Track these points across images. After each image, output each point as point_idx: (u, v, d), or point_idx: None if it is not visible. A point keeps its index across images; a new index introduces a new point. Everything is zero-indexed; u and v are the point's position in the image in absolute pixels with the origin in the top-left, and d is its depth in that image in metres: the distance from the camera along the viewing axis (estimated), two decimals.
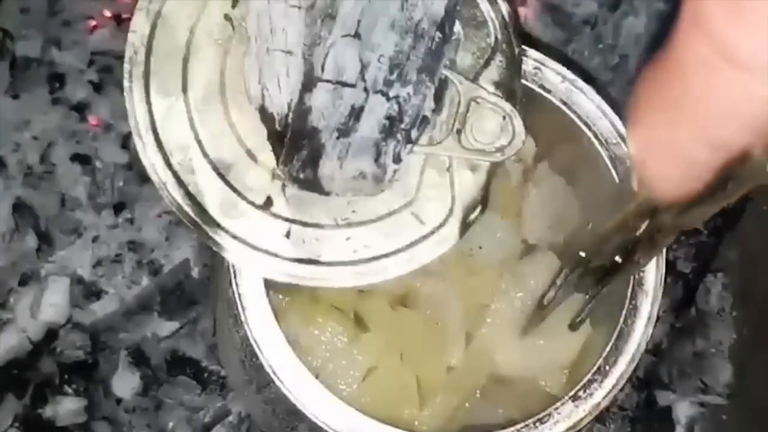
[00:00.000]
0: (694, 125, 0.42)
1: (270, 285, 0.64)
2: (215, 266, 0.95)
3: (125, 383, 0.93)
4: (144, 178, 0.98)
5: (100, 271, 0.96)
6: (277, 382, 0.62)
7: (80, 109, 1.02)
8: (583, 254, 0.62)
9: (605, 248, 0.60)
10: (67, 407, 0.92)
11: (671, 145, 0.44)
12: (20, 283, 0.96)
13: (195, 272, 0.97)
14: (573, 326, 0.69)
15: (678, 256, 0.96)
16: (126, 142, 1.00)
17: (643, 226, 0.56)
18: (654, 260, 0.66)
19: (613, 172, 0.69)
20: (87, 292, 0.96)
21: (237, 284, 0.63)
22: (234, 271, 0.63)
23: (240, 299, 0.62)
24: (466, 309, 0.71)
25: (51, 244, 0.97)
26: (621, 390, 0.67)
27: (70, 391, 0.93)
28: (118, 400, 0.93)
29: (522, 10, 1.05)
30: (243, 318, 0.62)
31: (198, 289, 0.96)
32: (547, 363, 0.70)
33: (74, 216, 0.98)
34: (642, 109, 0.45)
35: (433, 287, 0.71)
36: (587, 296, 0.67)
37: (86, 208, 0.98)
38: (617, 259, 0.60)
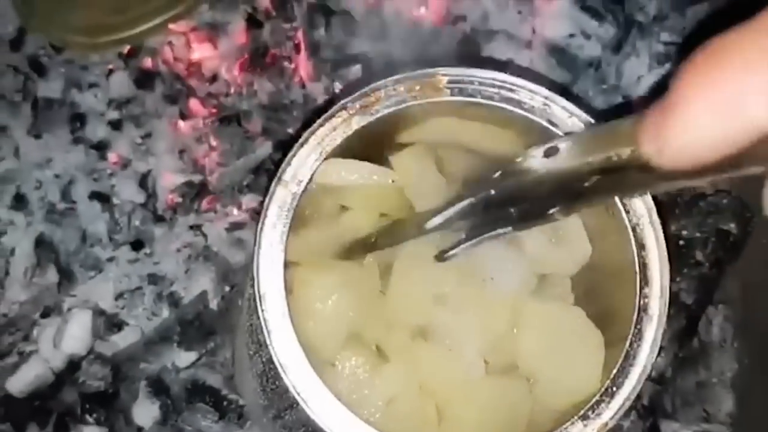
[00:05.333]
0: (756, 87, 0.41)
1: None
2: (233, 298, 0.97)
3: (145, 412, 0.95)
4: (159, 218, 1.01)
5: (121, 304, 0.99)
6: (302, 404, 0.64)
7: (100, 147, 1.05)
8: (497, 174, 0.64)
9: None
10: None
11: (721, 103, 0.42)
12: (43, 315, 0.98)
13: (213, 304, 0.99)
14: (438, 257, 0.70)
15: (681, 288, 0.98)
16: (143, 180, 1.03)
17: (593, 179, 0.56)
18: (658, 286, 0.68)
19: (617, 198, 0.71)
20: (108, 324, 0.98)
21: (263, 309, 0.65)
22: (260, 296, 0.65)
23: (266, 324, 0.65)
24: (483, 338, 0.72)
25: (72, 279, 1.00)
26: (626, 416, 0.69)
27: (91, 420, 0.95)
28: (139, 429, 0.95)
29: (528, 53, 1.08)
30: (269, 341, 0.64)
31: (216, 320, 0.98)
32: (566, 392, 0.71)
33: (94, 252, 1.01)
34: (702, 64, 0.43)
35: (451, 318, 0.72)
36: (469, 238, 0.69)
37: (106, 245, 1.01)
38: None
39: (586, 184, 0.57)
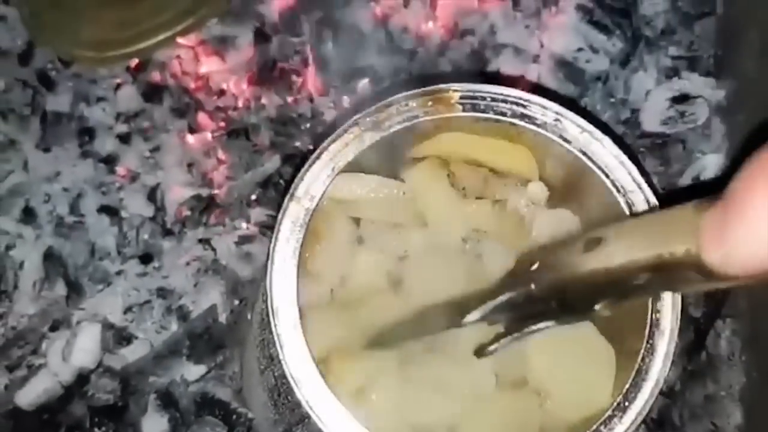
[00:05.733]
0: None
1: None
2: (242, 311, 0.97)
3: (154, 426, 0.95)
4: (168, 231, 1.02)
5: (130, 317, 0.99)
6: (315, 419, 0.64)
7: (108, 161, 1.05)
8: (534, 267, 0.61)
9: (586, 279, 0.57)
10: None
11: None
12: (51, 329, 0.98)
13: (222, 317, 0.99)
14: (477, 352, 0.68)
15: (689, 302, 0.98)
16: (152, 194, 1.03)
17: (643, 277, 0.53)
18: (670, 301, 0.68)
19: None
20: (117, 337, 0.98)
21: (276, 324, 0.65)
22: (272, 311, 0.65)
23: (279, 339, 0.65)
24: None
25: (80, 292, 1.00)
26: (638, 428, 0.69)
27: None
28: None
29: (536, 67, 1.09)
30: (281, 356, 0.64)
31: (225, 334, 0.98)
32: (577, 406, 0.71)
33: (103, 265, 1.01)
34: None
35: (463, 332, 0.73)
36: (510, 332, 0.66)
37: (114, 258, 1.01)
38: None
39: (635, 282, 0.54)
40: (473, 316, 0.66)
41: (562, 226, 0.75)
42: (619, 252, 0.55)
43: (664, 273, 0.51)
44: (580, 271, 0.58)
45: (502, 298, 0.65)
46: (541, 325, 0.64)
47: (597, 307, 0.60)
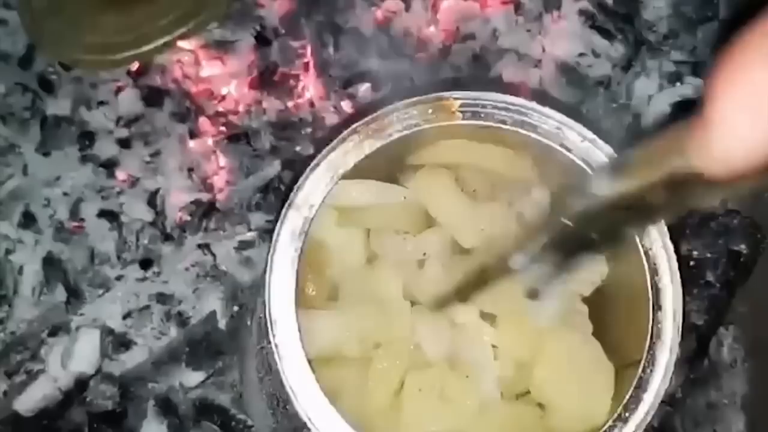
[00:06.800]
0: None
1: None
2: (242, 317, 0.97)
3: None
4: (168, 236, 1.01)
5: (129, 323, 0.98)
6: (313, 429, 0.64)
7: (109, 165, 1.04)
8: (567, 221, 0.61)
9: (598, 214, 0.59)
10: None
11: (754, 106, 0.42)
12: (50, 334, 0.98)
13: (222, 324, 0.98)
14: (530, 294, 0.67)
15: (691, 309, 0.97)
16: (152, 199, 1.03)
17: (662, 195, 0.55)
18: (671, 312, 0.68)
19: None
20: (116, 343, 0.97)
21: (274, 335, 0.65)
22: (271, 322, 0.65)
23: (277, 350, 0.64)
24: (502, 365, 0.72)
25: (80, 298, 0.99)
26: None
27: None
28: None
29: (538, 72, 1.08)
30: (280, 367, 0.64)
31: (225, 340, 0.98)
32: (577, 420, 0.71)
33: (102, 270, 1.00)
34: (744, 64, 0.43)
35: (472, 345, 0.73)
36: (554, 267, 0.65)
37: (114, 263, 1.01)
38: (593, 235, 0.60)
39: (656, 202, 0.57)
40: (520, 259, 0.64)
41: None
42: (637, 176, 0.57)
43: (679, 188, 0.54)
44: (608, 199, 0.59)
45: (543, 239, 0.64)
46: (585, 257, 0.64)
47: (628, 230, 0.63)
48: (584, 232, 0.62)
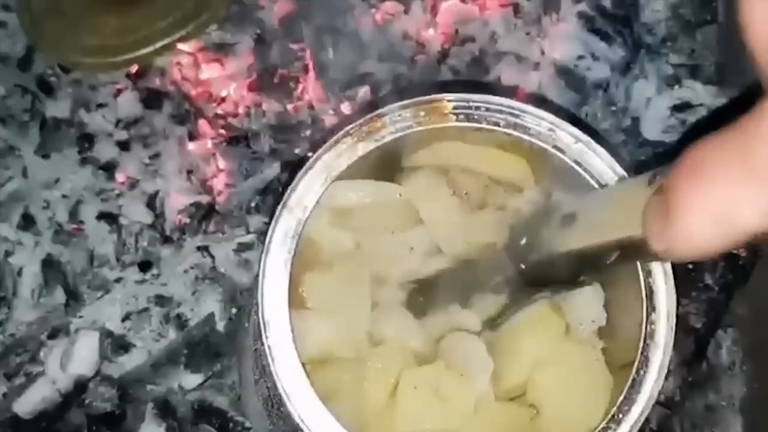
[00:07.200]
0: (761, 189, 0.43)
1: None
2: (240, 320, 0.97)
3: None
4: (167, 238, 1.01)
5: (128, 325, 0.98)
6: (306, 431, 0.64)
7: (108, 168, 1.05)
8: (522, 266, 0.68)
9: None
10: None
11: (716, 214, 0.45)
12: (50, 336, 0.98)
13: (220, 326, 0.98)
14: (487, 324, 0.72)
15: (689, 312, 0.98)
16: (151, 201, 1.03)
17: (613, 255, 0.59)
18: (664, 313, 0.68)
19: None
20: (115, 345, 0.98)
21: (267, 336, 0.65)
22: (264, 324, 0.65)
23: (270, 351, 0.64)
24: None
25: (79, 300, 0.99)
26: None
27: None
28: None
29: (536, 75, 1.08)
30: (273, 368, 0.64)
31: (223, 342, 0.98)
32: (570, 423, 0.71)
33: (101, 272, 1.01)
34: (704, 164, 0.45)
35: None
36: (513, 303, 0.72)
37: (113, 265, 1.01)
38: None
39: (608, 262, 0.61)
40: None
41: None
42: (588, 233, 0.62)
43: (630, 251, 0.58)
44: (558, 251, 0.64)
45: (499, 278, 0.70)
46: (538, 296, 0.70)
47: (581, 278, 0.69)
48: (538, 276, 0.68)
